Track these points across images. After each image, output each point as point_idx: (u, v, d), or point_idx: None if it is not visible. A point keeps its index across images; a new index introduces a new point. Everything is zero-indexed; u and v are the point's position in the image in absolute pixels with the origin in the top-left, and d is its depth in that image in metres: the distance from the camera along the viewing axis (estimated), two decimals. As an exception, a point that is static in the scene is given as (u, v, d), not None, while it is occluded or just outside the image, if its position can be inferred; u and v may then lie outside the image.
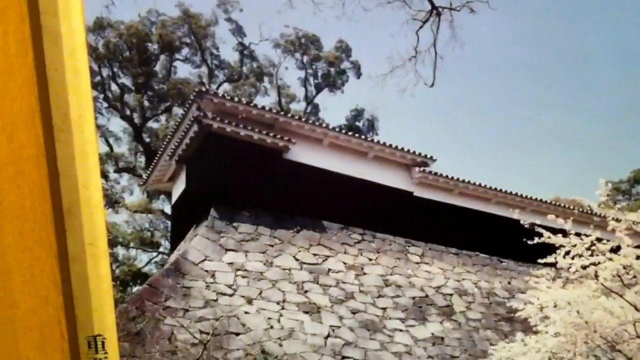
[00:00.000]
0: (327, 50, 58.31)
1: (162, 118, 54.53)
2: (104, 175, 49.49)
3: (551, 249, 17.91)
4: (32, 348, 2.09)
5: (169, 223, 46.45)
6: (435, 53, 19.32)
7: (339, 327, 24.27)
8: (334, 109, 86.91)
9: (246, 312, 22.90)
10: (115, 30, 51.28)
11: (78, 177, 2.13)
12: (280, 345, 22.26)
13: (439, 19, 18.55)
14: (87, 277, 2.15)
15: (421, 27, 18.94)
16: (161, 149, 31.92)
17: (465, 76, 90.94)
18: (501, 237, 32.26)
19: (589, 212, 33.28)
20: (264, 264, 25.42)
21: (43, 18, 2.10)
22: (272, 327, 22.81)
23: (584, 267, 17.13)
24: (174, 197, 32.29)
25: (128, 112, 53.53)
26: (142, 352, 19.66)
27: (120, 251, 48.99)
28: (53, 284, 2.10)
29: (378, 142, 31.58)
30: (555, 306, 17.58)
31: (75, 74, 2.15)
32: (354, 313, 25.26)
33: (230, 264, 24.69)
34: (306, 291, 25.15)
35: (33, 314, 2.09)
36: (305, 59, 58.23)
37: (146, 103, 53.68)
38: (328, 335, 23.67)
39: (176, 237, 30.24)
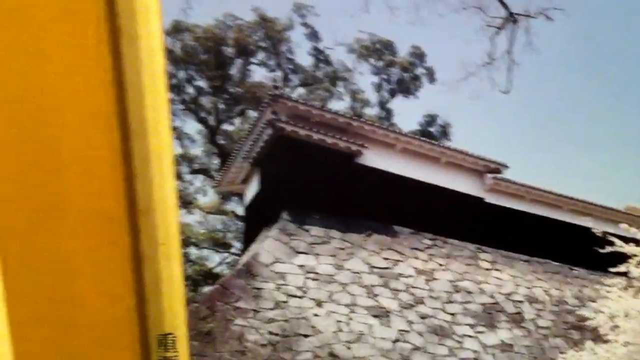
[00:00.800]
0: (401, 55, 57.98)
1: (237, 121, 54.91)
2: (179, 176, 50.07)
3: (623, 257, 17.62)
4: (102, 347, 2.13)
5: (240, 224, 46.78)
6: (511, 59, 19.12)
7: (407, 331, 24.14)
8: (407, 114, 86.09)
9: (316, 315, 22.96)
10: (192, 33, 51.83)
11: (153, 178, 2.16)
12: (349, 348, 22.26)
13: (514, 25, 18.34)
14: (159, 277, 2.17)
15: (496, 33, 18.75)
16: (235, 151, 32.16)
17: (538, 82, 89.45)
18: (572, 245, 31.68)
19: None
20: (335, 267, 25.42)
21: (121, 20, 2.13)
22: (341, 330, 22.81)
23: (656, 277, 16.85)
24: (247, 199, 32.51)
25: (203, 115, 54.11)
26: (211, 352, 19.88)
27: (193, 251, 49.59)
28: (125, 284, 2.13)
29: (450, 148, 31.35)
30: (626, 315, 17.29)
31: (152, 77, 2.17)
32: (423, 318, 25.09)
33: (301, 266, 24.75)
34: (376, 295, 25.07)
35: (104, 314, 2.12)
36: (379, 64, 58.00)
37: (221, 106, 54.13)
38: (397, 340, 23.57)
39: (249, 239, 30.42)
